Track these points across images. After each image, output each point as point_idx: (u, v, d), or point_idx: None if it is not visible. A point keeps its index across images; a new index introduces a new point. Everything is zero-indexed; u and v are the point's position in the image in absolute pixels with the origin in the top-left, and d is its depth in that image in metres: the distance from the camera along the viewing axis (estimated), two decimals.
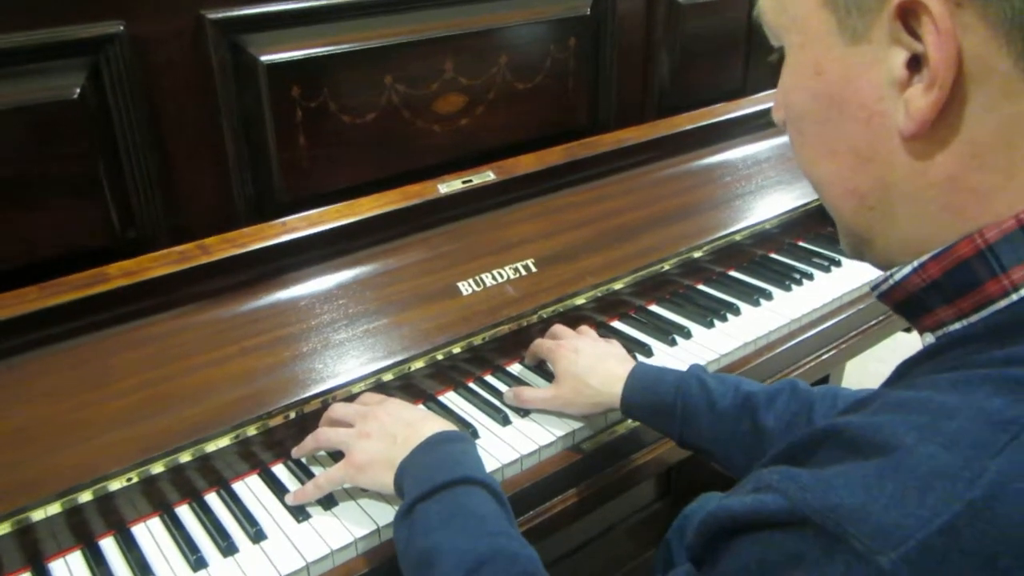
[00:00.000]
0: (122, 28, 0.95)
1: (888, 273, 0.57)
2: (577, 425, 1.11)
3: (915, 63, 0.49)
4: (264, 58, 1.05)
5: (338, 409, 1.04)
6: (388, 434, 0.96)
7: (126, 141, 0.99)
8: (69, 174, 0.98)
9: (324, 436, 1.02)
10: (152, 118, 1.01)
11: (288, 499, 0.99)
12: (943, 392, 0.46)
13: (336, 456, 1.04)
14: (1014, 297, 0.49)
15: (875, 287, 0.59)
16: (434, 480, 0.86)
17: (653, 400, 1.04)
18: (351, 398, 1.08)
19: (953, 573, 0.39)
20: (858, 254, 0.61)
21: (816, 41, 0.54)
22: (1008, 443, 0.41)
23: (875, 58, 0.51)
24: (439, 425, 0.96)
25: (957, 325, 0.53)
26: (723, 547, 0.51)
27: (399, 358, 1.11)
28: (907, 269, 0.55)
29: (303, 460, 1.06)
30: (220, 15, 1.01)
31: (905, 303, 0.57)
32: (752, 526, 0.48)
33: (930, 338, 0.56)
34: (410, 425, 0.96)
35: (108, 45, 0.95)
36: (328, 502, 0.99)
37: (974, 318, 0.52)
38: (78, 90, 0.95)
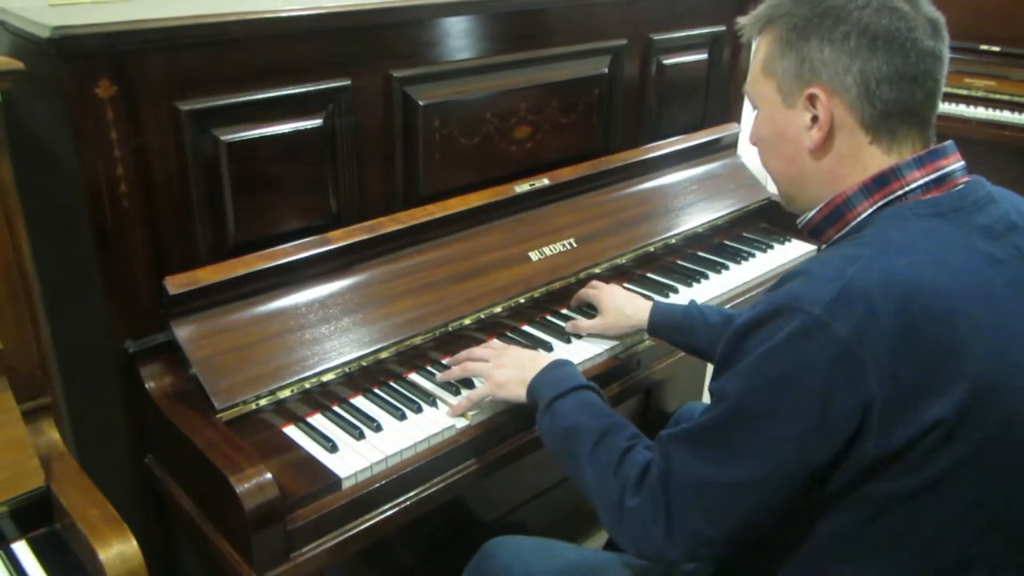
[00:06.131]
0: (349, 82, 1.51)
1: (805, 215, 1.15)
2: (615, 343, 1.70)
3: (815, 119, 1.09)
4: (421, 101, 1.62)
5: (476, 351, 1.51)
6: (518, 364, 1.40)
7: (342, 154, 1.54)
8: (308, 176, 1.52)
9: (471, 367, 1.48)
10: (356, 139, 1.56)
11: (448, 413, 1.45)
12: (827, 253, 1.05)
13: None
14: (859, 219, 1.06)
15: (799, 222, 1.16)
16: (562, 387, 1.29)
17: (669, 322, 1.64)
18: (455, 332, 1.63)
19: (841, 312, 0.94)
20: (789, 206, 1.19)
21: (771, 107, 1.14)
22: (854, 263, 0.95)
23: (797, 116, 1.10)
24: (549, 357, 1.42)
25: (836, 236, 1.10)
26: (742, 347, 1.01)
27: (501, 297, 1.68)
28: (813, 212, 1.12)
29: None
30: (399, 73, 1.57)
31: (813, 230, 1.13)
32: (756, 324, 0.99)
33: (824, 247, 1.16)
34: (531, 359, 1.42)
35: (341, 93, 1.50)
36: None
37: (844, 231, 1.08)
38: (321, 121, 1.49)
